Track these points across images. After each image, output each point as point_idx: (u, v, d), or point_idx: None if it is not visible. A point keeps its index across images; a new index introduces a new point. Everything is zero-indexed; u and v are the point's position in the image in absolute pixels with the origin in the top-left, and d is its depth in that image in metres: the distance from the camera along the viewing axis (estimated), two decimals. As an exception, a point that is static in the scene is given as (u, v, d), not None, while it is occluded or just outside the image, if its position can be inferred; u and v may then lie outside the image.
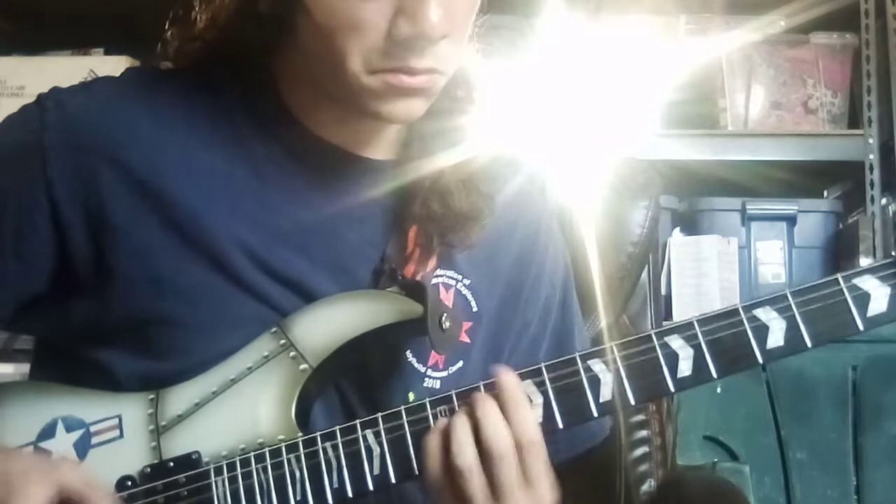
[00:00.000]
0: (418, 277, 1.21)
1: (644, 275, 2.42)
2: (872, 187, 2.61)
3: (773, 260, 2.70)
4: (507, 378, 1.09)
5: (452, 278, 1.26)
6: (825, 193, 2.91)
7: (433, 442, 1.07)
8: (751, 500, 2.15)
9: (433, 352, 1.23)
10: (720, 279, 2.62)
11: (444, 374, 1.24)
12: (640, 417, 1.84)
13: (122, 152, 1.16)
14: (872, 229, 2.56)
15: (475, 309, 1.27)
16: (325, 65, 1.12)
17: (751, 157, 2.67)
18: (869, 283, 1.08)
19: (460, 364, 1.26)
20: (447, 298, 1.24)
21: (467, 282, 1.27)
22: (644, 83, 2.63)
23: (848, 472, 2.25)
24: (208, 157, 1.18)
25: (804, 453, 2.27)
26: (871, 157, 2.62)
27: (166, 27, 1.23)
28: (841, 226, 2.74)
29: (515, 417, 1.07)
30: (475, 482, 1.05)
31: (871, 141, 2.63)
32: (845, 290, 1.07)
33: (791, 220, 2.72)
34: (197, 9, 1.19)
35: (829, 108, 2.74)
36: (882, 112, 2.64)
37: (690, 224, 2.74)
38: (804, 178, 2.74)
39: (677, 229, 2.75)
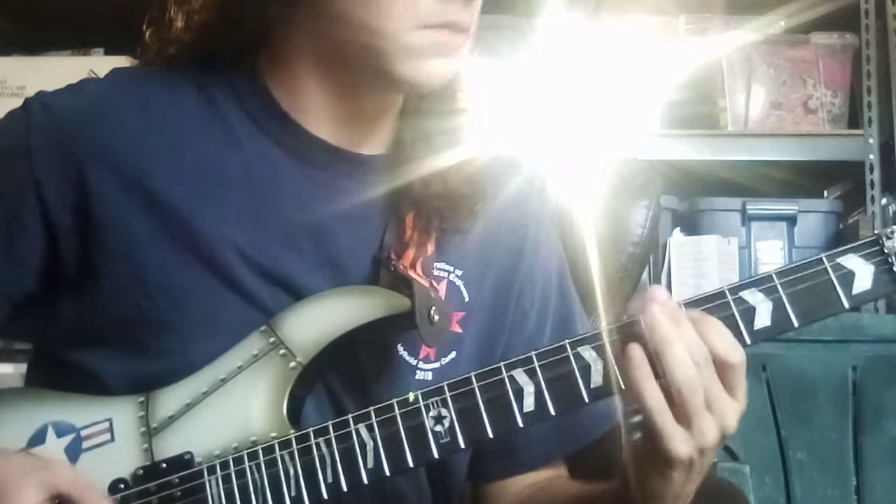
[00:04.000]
0: (418, 263, 1.21)
1: (644, 275, 2.42)
2: (872, 187, 2.61)
3: (773, 260, 2.70)
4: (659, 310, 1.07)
5: (444, 269, 1.26)
6: (825, 193, 2.91)
7: (640, 368, 1.05)
8: (751, 500, 2.14)
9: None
10: (720, 279, 2.62)
11: (437, 365, 1.24)
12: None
13: (109, 153, 1.17)
14: (872, 229, 2.55)
15: (467, 299, 1.28)
16: (357, 29, 1.12)
17: (751, 157, 2.67)
18: (853, 262, 1.08)
19: (453, 355, 1.26)
20: (440, 289, 1.24)
21: (459, 272, 1.27)
22: (644, 83, 2.63)
23: (848, 472, 2.25)
24: (197, 155, 1.18)
25: (804, 453, 2.27)
26: (871, 157, 2.62)
27: (144, 28, 1.23)
28: (841, 226, 2.74)
29: (711, 335, 1.05)
30: (700, 397, 1.03)
31: (871, 141, 2.63)
32: (830, 269, 1.08)
33: (791, 220, 2.72)
34: (171, 11, 1.20)
35: (829, 108, 2.74)
36: (882, 112, 2.64)
37: (690, 224, 2.74)
38: (804, 178, 2.74)
39: (677, 229, 2.75)
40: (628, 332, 1.08)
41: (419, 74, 1.13)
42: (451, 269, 1.27)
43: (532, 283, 1.33)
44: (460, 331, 1.26)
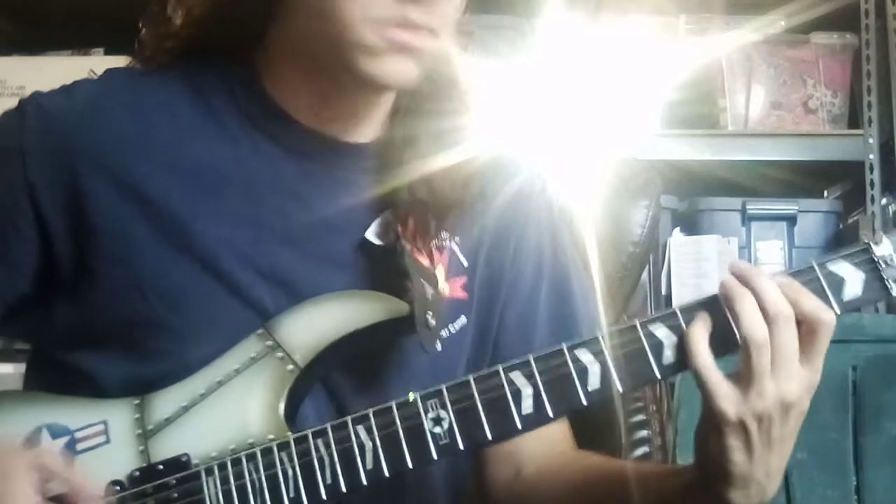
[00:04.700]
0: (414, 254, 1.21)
1: (644, 275, 2.42)
2: (872, 187, 2.60)
3: (773, 260, 2.70)
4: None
5: (444, 238, 1.26)
6: (825, 193, 2.91)
7: (699, 329, 1.07)
8: (751, 500, 2.14)
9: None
10: (720, 279, 2.61)
11: (445, 334, 1.24)
12: (641, 417, 1.83)
13: (103, 154, 1.17)
14: (872, 229, 2.55)
15: (466, 264, 1.28)
16: (320, 25, 1.12)
17: (751, 157, 2.67)
18: (843, 269, 1.10)
19: (463, 320, 1.27)
20: (442, 260, 1.24)
21: (458, 239, 1.27)
22: (644, 83, 2.63)
23: (848, 472, 2.24)
24: (192, 154, 1.18)
25: (804, 453, 2.26)
26: (871, 157, 2.62)
27: (141, 25, 1.23)
28: (841, 226, 2.74)
29: (800, 294, 1.06)
30: (765, 356, 1.03)
31: (871, 141, 2.63)
32: (821, 276, 1.10)
33: (791, 220, 2.72)
34: (171, 6, 1.19)
35: (829, 108, 2.73)
36: (882, 112, 2.63)
37: (690, 224, 2.74)
38: (804, 178, 2.74)
39: (677, 229, 2.75)
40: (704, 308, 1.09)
41: (381, 72, 1.13)
42: (449, 235, 1.26)
43: (527, 245, 1.33)
44: (465, 296, 1.27)
